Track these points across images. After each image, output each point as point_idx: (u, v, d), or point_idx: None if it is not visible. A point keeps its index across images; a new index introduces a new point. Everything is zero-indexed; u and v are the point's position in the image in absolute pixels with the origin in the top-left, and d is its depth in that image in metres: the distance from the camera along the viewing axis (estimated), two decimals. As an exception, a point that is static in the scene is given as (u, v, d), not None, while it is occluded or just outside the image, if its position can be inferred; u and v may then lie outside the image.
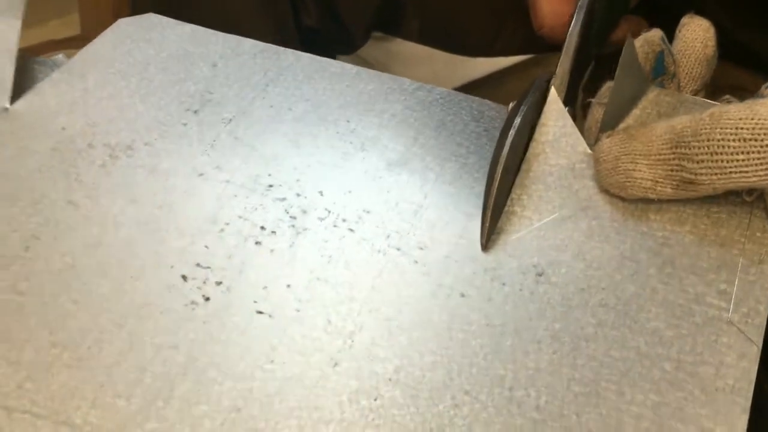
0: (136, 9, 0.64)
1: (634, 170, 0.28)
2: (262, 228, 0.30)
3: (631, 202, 0.29)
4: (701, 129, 0.26)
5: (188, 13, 0.61)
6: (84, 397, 0.25)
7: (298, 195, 0.31)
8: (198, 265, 0.29)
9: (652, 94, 0.32)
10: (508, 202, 0.29)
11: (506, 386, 0.25)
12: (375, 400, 0.25)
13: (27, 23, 0.37)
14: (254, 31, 0.56)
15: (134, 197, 0.31)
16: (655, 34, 0.33)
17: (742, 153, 0.26)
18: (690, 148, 0.27)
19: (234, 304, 0.27)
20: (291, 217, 0.30)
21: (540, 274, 0.27)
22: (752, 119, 0.25)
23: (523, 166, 0.30)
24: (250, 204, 0.31)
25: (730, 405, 0.24)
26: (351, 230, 0.30)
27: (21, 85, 0.35)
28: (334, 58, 0.36)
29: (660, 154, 0.27)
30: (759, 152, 0.25)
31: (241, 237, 0.29)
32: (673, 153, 0.27)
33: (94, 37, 0.39)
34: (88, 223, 0.30)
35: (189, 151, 0.32)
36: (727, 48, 0.47)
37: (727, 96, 0.31)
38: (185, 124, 0.34)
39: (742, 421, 0.23)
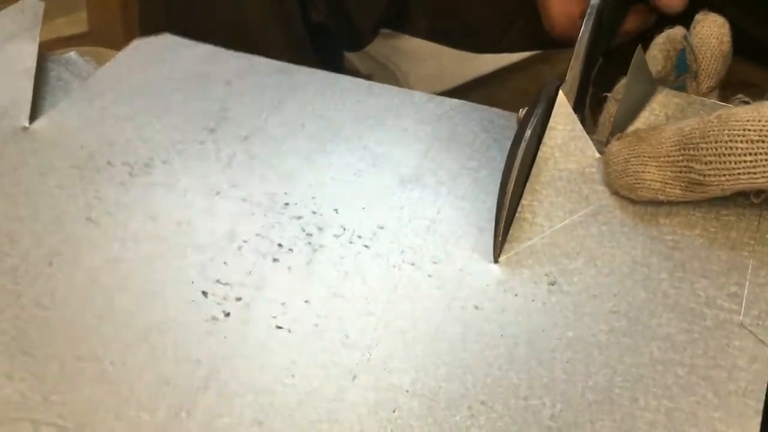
0: (147, 12, 0.65)
1: (643, 172, 0.28)
2: (280, 245, 0.30)
3: (641, 205, 0.29)
4: (709, 131, 0.27)
5: (199, 11, 0.61)
6: (108, 410, 0.26)
7: (314, 213, 0.32)
8: (218, 281, 0.29)
9: (661, 95, 0.32)
10: (519, 208, 0.30)
11: (521, 395, 0.25)
12: (393, 411, 0.25)
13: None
14: (263, 28, 0.56)
15: (153, 214, 0.31)
16: (678, 32, 0.34)
17: (750, 154, 0.26)
18: (698, 150, 0.27)
19: (253, 320, 0.28)
20: (307, 234, 0.31)
21: (552, 284, 0.28)
22: (759, 121, 0.26)
23: (533, 171, 0.31)
24: (267, 222, 0.31)
25: (742, 407, 0.24)
26: (366, 246, 0.30)
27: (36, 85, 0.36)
28: (342, 55, 0.36)
29: (668, 156, 0.28)
30: (767, 154, 0.26)
31: (259, 254, 0.30)
32: (682, 155, 0.28)
33: (101, 34, 0.40)
34: (108, 240, 0.31)
35: (206, 169, 0.33)
36: (738, 43, 0.48)
37: (740, 95, 0.31)
38: (202, 143, 0.34)
39: (755, 422, 0.24)
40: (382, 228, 0.31)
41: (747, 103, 0.30)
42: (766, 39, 0.48)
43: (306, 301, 0.28)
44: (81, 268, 0.30)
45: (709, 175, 0.27)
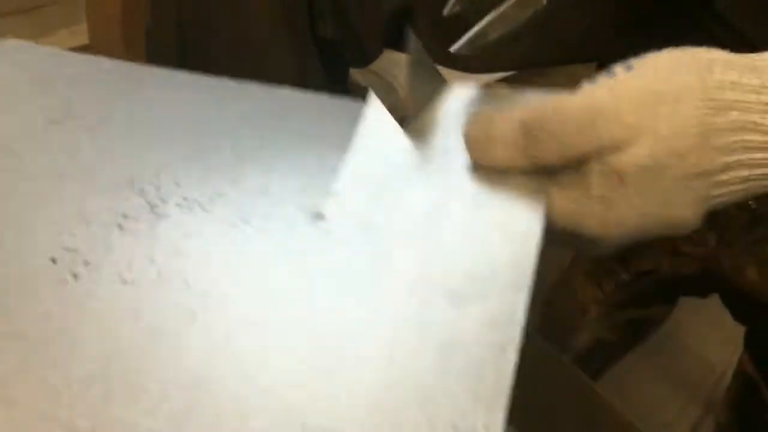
0: (158, 26, 0.65)
1: (490, 148, 0.33)
2: (125, 216, 0.34)
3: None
4: (544, 114, 0.32)
5: (211, 25, 0.63)
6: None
7: (158, 188, 0.35)
8: (66, 249, 0.32)
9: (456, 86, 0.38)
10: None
11: (339, 312, 0.30)
12: (226, 338, 0.29)
13: (36, 33, 0.39)
14: (273, 43, 0.58)
15: (3, 195, 0.34)
16: None
17: (581, 132, 0.32)
18: (535, 127, 0.32)
19: (100, 278, 0.31)
20: (152, 206, 0.34)
21: (367, 228, 0.33)
22: (587, 110, 0.32)
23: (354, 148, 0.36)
24: (113, 197, 0.34)
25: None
26: (205, 211, 0.34)
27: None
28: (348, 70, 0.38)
29: (514, 138, 0.33)
30: (596, 132, 0.32)
31: (106, 225, 0.33)
32: (522, 135, 0.33)
33: (102, 46, 0.41)
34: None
35: (53, 157, 0.36)
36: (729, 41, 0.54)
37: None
38: (47, 133, 0.37)
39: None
40: (219, 195, 0.35)
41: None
42: (763, 39, 0.55)
43: (151, 260, 0.32)
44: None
45: (548, 151, 0.32)
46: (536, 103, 0.33)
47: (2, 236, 0.32)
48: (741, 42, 0.53)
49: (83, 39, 1.22)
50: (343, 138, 0.37)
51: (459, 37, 0.41)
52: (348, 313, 0.30)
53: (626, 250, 0.67)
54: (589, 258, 0.71)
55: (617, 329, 0.74)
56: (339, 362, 0.28)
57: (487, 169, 0.34)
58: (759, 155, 0.32)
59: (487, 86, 0.38)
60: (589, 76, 0.34)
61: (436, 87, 0.38)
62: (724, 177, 0.32)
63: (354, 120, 0.37)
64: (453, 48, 0.36)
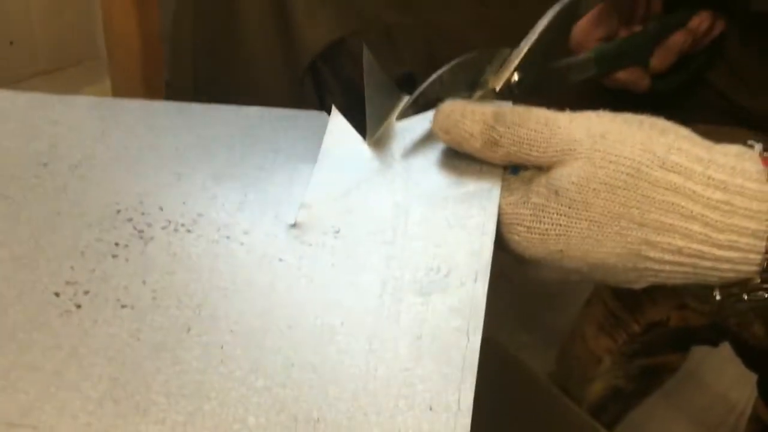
0: (173, 87, 0.69)
1: (460, 121, 0.36)
2: (116, 244, 0.37)
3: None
4: (517, 109, 0.35)
5: (226, 99, 0.66)
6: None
7: (143, 214, 0.38)
8: (67, 282, 0.35)
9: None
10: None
11: (318, 315, 0.33)
12: (221, 347, 0.32)
13: (62, 92, 0.42)
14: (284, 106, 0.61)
15: (2, 242, 0.37)
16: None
17: (536, 131, 0.34)
18: (505, 116, 0.35)
19: (101, 305, 0.34)
20: (139, 231, 0.37)
21: (337, 232, 0.36)
22: (549, 115, 0.35)
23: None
24: (103, 228, 0.37)
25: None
26: (189, 231, 0.37)
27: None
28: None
29: (483, 114, 0.36)
30: (546, 138, 0.34)
31: (100, 254, 0.36)
32: (492, 115, 0.35)
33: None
34: (-34, 268, 0.36)
35: (45, 197, 0.39)
36: (734, 114, 0.55)
37: (750, 141, 0.35)
38: (38, 176, 0.40)
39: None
40: (200, 215, 0.38)
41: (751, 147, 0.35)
42: (759, 110, 0.56)
43: (143, 282, 0.35)
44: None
45: (505, 137, 0.35)
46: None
47: (9, 277, 0.35)
48: (740, 115, 0.56)
49: (107, 95, 1.26)
50: (310, 149, 0.40)
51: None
52: (328, 313, 0.33)
53: (634, 303, 0.69)
54: (600, 310, 0.72)
55: (632, 378, 0.74)
56: (323, 358, 0.31)
57: (448, 151, 0.37)
58: (697, 227, 0.33)
59: None
60: None
61: (392, 99, 0.41)
62: (657, 238, 0.33)
63: (319, 132, 0.40)
64: (397, 114, 0.39)
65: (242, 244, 0.36)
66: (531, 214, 0.34)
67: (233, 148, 0.41)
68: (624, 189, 0.33)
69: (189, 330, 0.33)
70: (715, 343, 0.72)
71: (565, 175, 0.34)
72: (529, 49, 0.40)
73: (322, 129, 0.40)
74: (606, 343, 0.74)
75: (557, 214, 0.34)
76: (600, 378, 0.76)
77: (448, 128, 0.36)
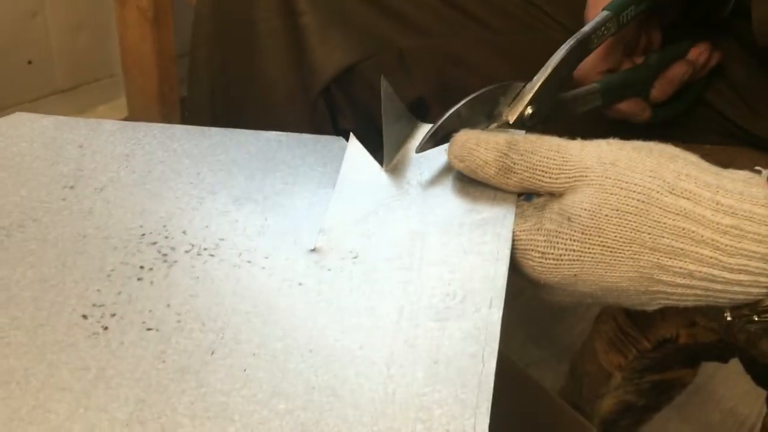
0: (193, 120, 0.70)
1: (474, 149, 0.37)
2: (141, 267, 0.38)
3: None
4: (530, 137, 0.36)
5: (241, 125, 0.68)
6: (21, 418, 0.32)
7: (167, 237, 0.39)
8: (94, 305, 0.36)
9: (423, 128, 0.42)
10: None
11: (338, 339, 0.34)
12: (245, 371, 0.33)
13: (77, 111, 0.44)
14: (299, 129, 0.62)
15: (32, 263, 0.38)
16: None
17: (549, 159, 0.36)
18: (518, 144, 0.36)
19: (127, 328, 0.35)
20: (163, 255, 0.38)
21: (355, 257, 0.37)
22: (560, 143, 0.36)
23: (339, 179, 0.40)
24: (128, 251, 0.38)
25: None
26: (212, 255, 0.38)
27: None
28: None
29: (497, 143, 0.37)
30: (559, 165, 0.35)
31: (126, 277, 0.37)
32: (506, 143, 0.37)
33: (141, 118, 0.45)
34: (-4, 290, 0.37)
35: (71, 219, 0.40)
36: (739, 137, 0.56)
37: (758, 167, 0.36)
38: (65, 199, 0.41)
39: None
40: (222, 239, 0.39)
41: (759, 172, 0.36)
42: (761, 130, 0.57)
43: (168, 305, 0.36)
44: (-24, 316, 0.36)
45: (518, 164, 0.36)
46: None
47: (38, 297, 0.37)
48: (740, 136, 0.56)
49: (122, 113, 1.29)
50: (328, 174, 0.41)
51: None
52: (347, 337, 0.34)
53: (644, 320, 0.69)
54: (610, 327, 0.73)
55: (642, 393, 0.75)
56: (343, 382, 0.32)
57: (463, 178, 0.38)
58: (707, 252, 0.33)
59: None
60: None
61: (408, 126, 0.42)
62: (669, 262, 0.34)
63: (337, 157, 0.41)
64: (416, 148, 0.40)
65: (263, 268, 0.37)
66: (545, 240, 0.35)
67: (253, 172, 0.42)
68: (635, 215, 0.34)
69: (213, 353, 0.34)
70: (724, 360, 0.73)
71: (577, 202, 0.35)
72: (542, 84, 0.41)
73: (340, 154, 0.41)
74: (617, 360, 0.75)
75: (570, 240, 0.35)
76: (611, 394, 0.77)
77: (463, 156, 0.37)
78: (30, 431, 0.31)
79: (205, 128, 0.45)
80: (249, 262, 0.37)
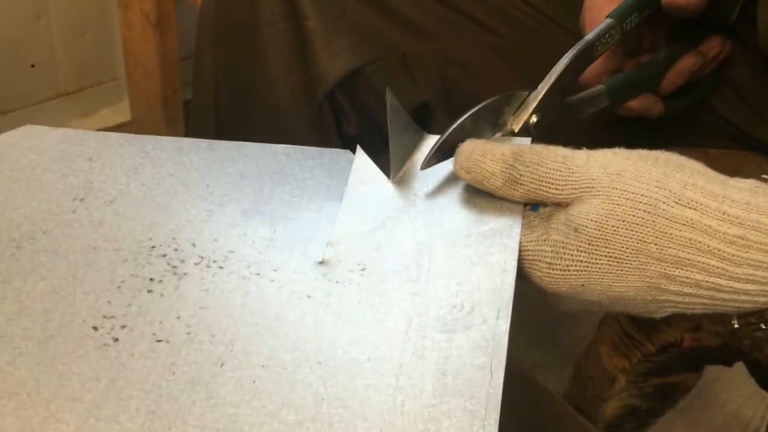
0: (198, 122, 0.71)
1: (480, 160, 0.37)
2: (151, 279, 0.38)
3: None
4: (536, 147, 0.37)
5: (245, 128, 0.68)
6: (33, 428, 0.32)
7: (176, 250, 0.40)
8: (104, 316, 0.37)
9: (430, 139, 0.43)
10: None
11: (346, 351, 0.34)
12: (254, 382, 0.33)
13: (81, 113, 0.44)
14: (302, 141, 0.63)
15: (43, 275, 0.38)
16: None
17: (555, 170, 0.36)
18: (524, 155, 0.37)
19: (137, 339, 0.36)
20: (173, 267, 0.39)
21: (363, 269, 0.37)
22: (565, 154, 0.36)
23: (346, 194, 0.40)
24: (138, 263, 0.39)
25: None
26: (221, 267, 0.38)
27: None
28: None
29: (503, 154, 0.37)
30: (566, 177, 0.36)
31: (136, 289, 0.38)
32: (512, 154, 0.37)
33: (143, 122, 0.45)
34: (9, 301, 0.37)
35: (81, 232, 0.40)
36: (745, 142, 0.56)
37: (765, 175, 0.37)
38: (74, 211, 0.42)
39: None
40: (232, 251, 0.39)
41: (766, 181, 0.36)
42: (765, 135, 0.58)
43: (178, 317, 0.36)
44: (-11, 328, 0.36)
45: (524, 176, 0.37)
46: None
47: (49, 309, 0.37)
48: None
49: (126, 116, 1.30)
50: (335, 187, 0.41)
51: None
52: (355, 349, 0.34)
53: (648, 324, 0.70)
54: (614, 330, 0.74)
55: (646, 396, 0.75)
56: (352, 394, 0.33)
57: (469, 188, 0.38)
58: (714, 262, 0.34)
59: None
60: None
61: (414, 138, 0.42)
62: (675, 272, 0.34)
63: (344, 170, 0.41)
64: (421, 164, 0.40)
65: (272, 280, 0.38)
66: (552, 251, 0.36)
67: (261, 185, 0.43)
68: (642, 225, 0.34)
69: (222, 365, 0.34)
70: (729, 363, 0.73)
71: (584, 213, 0.35)
72: (546, 92, 0.42)
73: (347, 167, 0.42)
74: (621, 363, 0.75)
75: (577, 250, 0.35)
76: (615, 397, 0.77)
77: (469, 168, 0.38)
78: (43, 443, 0.32)
79: (213, 141, 0.46)
80: (258, 274, 0.38)
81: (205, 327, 0.36)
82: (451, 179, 0.40)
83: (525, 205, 0.38)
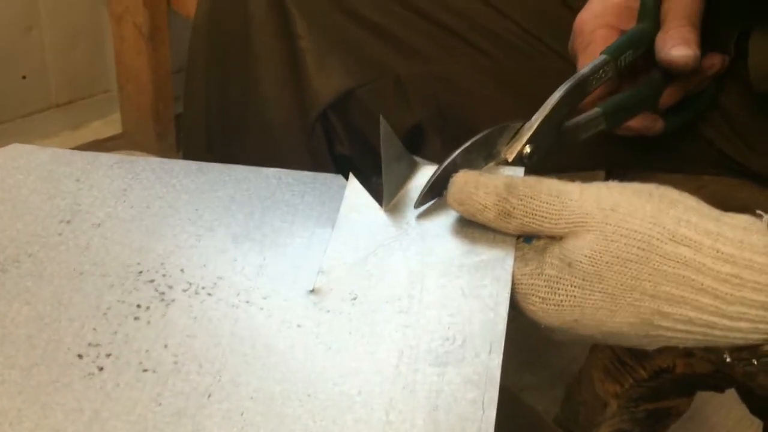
0: (189, 137, 0.70)
1: (473, 193, 0.37)
2: (138, 306, 0.37)
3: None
4: (530, 180, 0.36)
5: (237, 145, 0.67)
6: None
7: (164, 275, 0.39)
8: (89, 344, 0.36)
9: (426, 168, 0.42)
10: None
11: (337, 383, 0.34)
12: (242, 414, 0.33)
13: (72, 125, 0.43)
14: (293, 160, 0.62)
15: (27, 300, 0.38)
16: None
17: (548, 204, 0.36)
18: (517, 189, 0.36)
19: (123, 368, 0.35)
20: (160, 293, 0.38)
21: (354, 298, 0.37)
22: (559, 188, 0.36)
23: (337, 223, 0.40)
24: (125, 289, 0.38)
25: None
26: (209, 294, 0.38)
27: None
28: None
29: (495, 187, 0.37)
30: (559, 210, 0.35)
31: (122, 316, 0.37)
32: (505, 187, 0.37)
33: (134, 135, 0.45)
34: (-9, 328, 0.36)
35: (68, 255, 0.40)
36: (737, 172, 0.56)
37: (759, 211, 0.36)
38: (60, 234, 0.41)
39: None
40: (221, 278, 0.39)
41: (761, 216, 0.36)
42: (755, 164, 0.57)
43: (165, 346, 0.36)
44: (-30, 355, 0.35)
45: (518, 209, 0.36)
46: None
47: (33, 335, 0.36)
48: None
49: (117, 129, 1.29)
50: (326, 213, 0.41)
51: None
52: (346, 382, 0.34)
53: (641, 350, 0.68)
54: (606, 355, 0.73)
55: (638, 422, 0.75)
56: (341, 428, 0.32)
57: (462, 218, 0.38)
58: (707, 300, 0.34)
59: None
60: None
61: (407, 167, 0.42)
62: (669, 309, 0.34)
63: (336, 195, 0.41)
64: (415, 203, 0.40)
65: (262, 309, 0.37)
66: (545, 286, 0.35)
67: (252, 209, 0.42)
68: (636, 262, 0.34)
69: (209, 396, 0.34)
70: (721, 390, 0.73)
71: (578, 248, 0.35)
72: (540, 123, 0.42)
73: (339, 193, 0.41)
74: (612, 388, 0.75)
75: (571, 286, 0.35)
76: (606, 422, 0.77)
77: (462, 200, 0.37)
78: (23, 476, 0.31)
79: (204, 163, 0.45)
80: (247, 302, 0.37)
81: (193, 356, 0.35)
82: (444, 208, 0.40)
83: (518, 236, 0.38)
